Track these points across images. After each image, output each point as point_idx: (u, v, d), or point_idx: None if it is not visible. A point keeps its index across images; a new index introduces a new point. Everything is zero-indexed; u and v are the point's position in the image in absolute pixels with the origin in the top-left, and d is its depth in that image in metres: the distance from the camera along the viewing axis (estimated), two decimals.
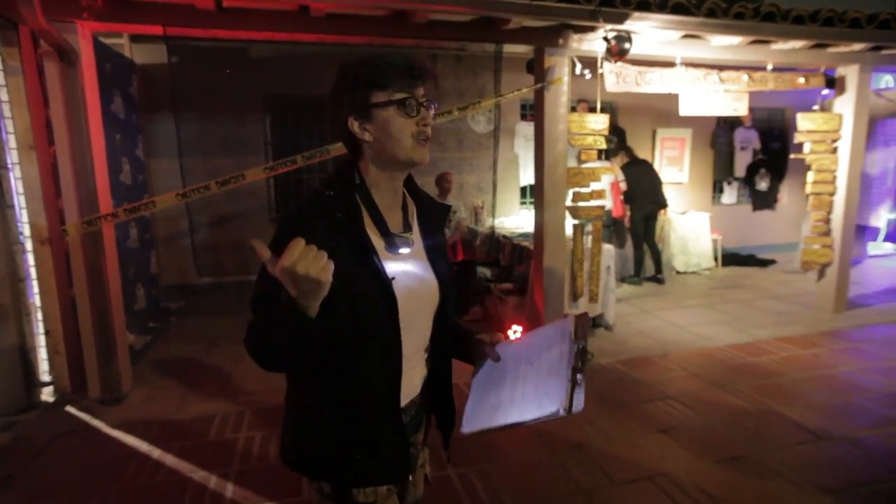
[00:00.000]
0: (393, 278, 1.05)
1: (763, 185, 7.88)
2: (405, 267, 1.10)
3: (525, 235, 5.14)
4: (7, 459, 2.77)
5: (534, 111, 4.40)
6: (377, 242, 1.07)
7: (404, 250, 1.10)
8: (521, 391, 1.10)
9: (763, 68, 4.61)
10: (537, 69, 4.12)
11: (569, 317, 1.16)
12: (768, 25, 4.05)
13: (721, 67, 4.57)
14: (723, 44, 4.31)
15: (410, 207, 1.19)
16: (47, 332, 3.33)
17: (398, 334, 1.07)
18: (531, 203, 6.91)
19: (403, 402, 1.13)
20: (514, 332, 3.82)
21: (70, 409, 3.28)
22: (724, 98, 4.77)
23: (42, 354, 3.36)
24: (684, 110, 4.75)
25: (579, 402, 0.98)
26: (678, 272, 6.86)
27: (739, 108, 4.88)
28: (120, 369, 3.43)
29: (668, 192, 6.69)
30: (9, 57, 3.00)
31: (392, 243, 1.09)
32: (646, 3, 3.66)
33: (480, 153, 6.80)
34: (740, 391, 3.45)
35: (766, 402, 3.29)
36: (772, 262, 7.38)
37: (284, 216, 1.08)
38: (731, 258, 7.39)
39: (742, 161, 7.81)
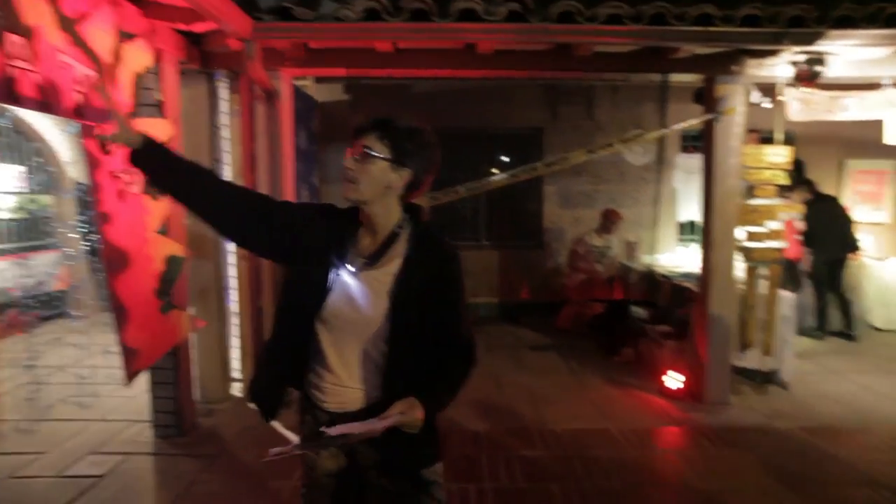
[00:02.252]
0: (333, 269, 1.33)
1: None
2: (350, 280, 1.32)
3: (686, 275, 4.78)
4: (212, 441, 3.29)
5: (700, 143, 4.12)
6: (347, 255, 1.35)
7: (349, 268, 1.33)
8: None
9: None
10: (707, 99, 3.87)
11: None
12: None
13: None
14: None
15: (399, 245, 1.36)
16: (241, 335, 3.83)
17: (312, 320, 1.34)
18: (690, 240, 6.43)
19: (330, 406, 1.36)
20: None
21: (253, 405, 3.71)
22: None
23: (234, 354, 3.87)
24: (892, 138, 4.10)
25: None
26: (877, 329, 5.84)
27: None
28: None
29: (863, 234, 5.79)
30: (233, 102, 3.59)
31: (349, 261, 1.34)
32: (848, 19, 3.24)
33: (640, 186, 6.54)
34: None
35: None
36: None
37: (317, 203, 1.52)
38: None
39: None
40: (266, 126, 3.55)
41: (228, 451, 3.15)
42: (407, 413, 1.22)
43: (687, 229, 6.62)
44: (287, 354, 1.40)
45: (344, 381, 1.35)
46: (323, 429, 1.21)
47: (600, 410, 3.78)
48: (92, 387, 4.05)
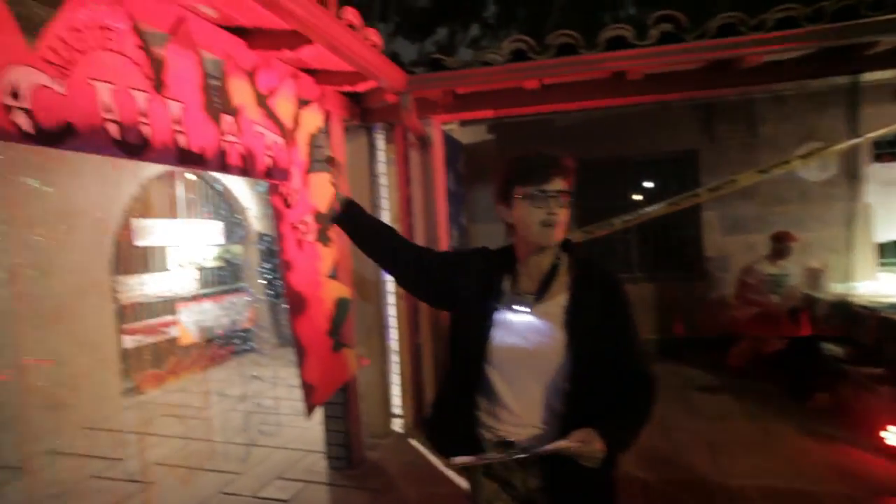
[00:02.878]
0: (497, 310, 1.35)
1: None
2: (519, 318, 1.33)
3: None
4: (378, 475, 3.42)
5: None
6: (506, 294, 1.37)
7: (521, 308, 1.34)
8: None
9: None
10: None
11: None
12: None
13: None
14: None
15: (562, 278, 1.37)
16: (400, 373, 4.00)
17: (481, 361, 1.35)
18: (894, 263, 5.43)
19: (509, 436, 1.36)
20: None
21: (413, 442, 3.83)
22: None
23: (395, 391, 4.04)
24: None
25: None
26: None
27: None
28: None
29: None
30: (389, 151, 3.87)
31: (513, 298, 1.36)
32: None
33: (826, 205, 5.72)
34: None
35: None
36: None
37: (468, 249, 1.58)
38: None
39: None
40: (420, 171, 3.76)
41: (394, 486, 3.26)
42: (586, 442, 1.20)
43: (890, 251, 5.60)
44: (460, 394, 1.42)
45: (521, 417, 1.35)
46: (512, 440, 1.30)
47: (796, 467, 3.25)
48: (276, 416, 4.50)
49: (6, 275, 3.73)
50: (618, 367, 1.32)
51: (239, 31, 2.30)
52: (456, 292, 1.45)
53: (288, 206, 2.61)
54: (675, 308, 6.20)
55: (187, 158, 1.91)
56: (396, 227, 3.94)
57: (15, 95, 1.35)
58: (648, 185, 6.46)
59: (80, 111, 1.52)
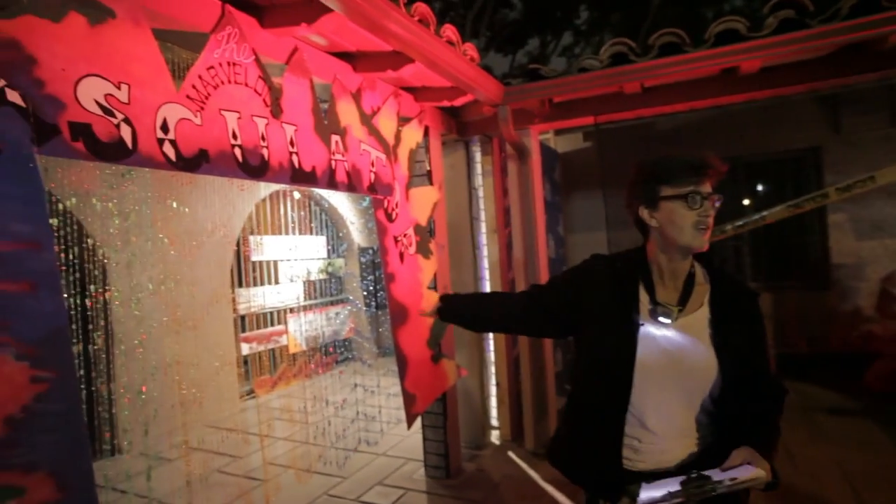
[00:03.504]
0: (641, 324, 1.25)
1: None
2: (662, 332, 1.24)
3: None
4: (477, 486, 3.41)
5: None
6: (644, 306, 1.27)
7: (663, 319, 1.24)
8: None
9: None
10: None
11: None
12: None
13: None
14: None
15: (700, 288, 1.29)
16: (497, 384, 3.97)
17: (628, 381, 1.24)
18: None
19: (644, 466, 1.26)
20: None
21: (511, 454, 3.78)
22: None
23: (492, 402, 4.02)
24: None
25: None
26: None
27: None
28: (550, 428, 3.77)
29: None
30: (485, 163, 3.90)
31: (654, 310, 1.26)
32: None
33: None
34: None
35: None
36: None
37: (580, 263, 1.45)
38: None
39: None
40: (518, 182, 3.74)
41: (492, 498, 3.22)
42: (756, 464, 1.11)
43: None
44: (599, 418, 1.32)
45: (664, 437, 1.26)
46: (706, 473, 1.14)
47: None
48: (376, 424, 4.64)
49: (154, 286, 4.22)
50: (758, 381, 1.24)
51: (344, 56, 2.44)
52: (584, 312, 1.35)
53: (391, 219, 2.70)
54: (795, 320, 5.62)
55: (300, 177, 2.04)
56: (494, 239, 3.96)
57: (165, 129, 1.52)
58: (762, 187, 5.96)
59: (213, 139, 1.68)
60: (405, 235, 2.83)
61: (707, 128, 5.56)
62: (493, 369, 4.01)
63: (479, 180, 3.99)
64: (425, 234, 3.08)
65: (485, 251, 4.00)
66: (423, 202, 3.08)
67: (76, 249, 3.73)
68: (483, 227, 3.99)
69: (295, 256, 6.24)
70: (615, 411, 1.26)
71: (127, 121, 1.43)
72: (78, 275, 3.70)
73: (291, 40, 2.08)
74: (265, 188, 5.64)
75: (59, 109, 1.30)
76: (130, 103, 1.45)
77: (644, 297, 1.28)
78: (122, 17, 1.45)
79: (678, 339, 1.23)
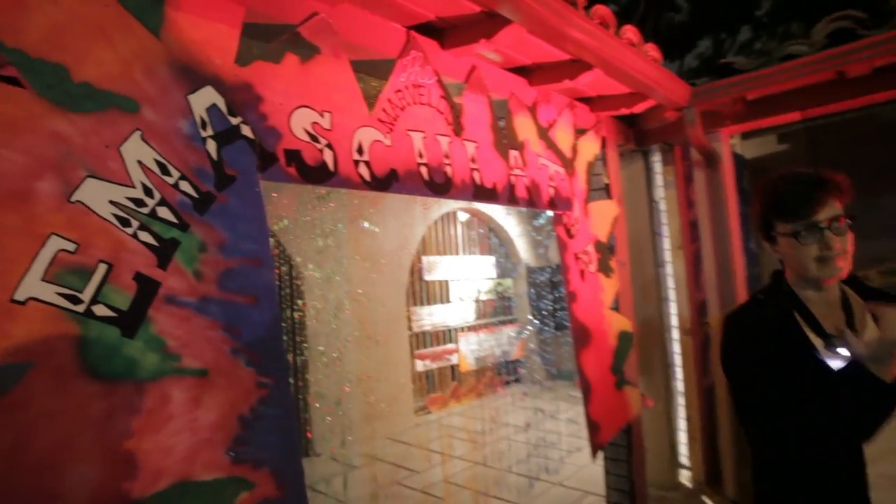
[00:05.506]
0: (834, 363, 1.11)
1: None
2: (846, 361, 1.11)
3: None
4: None
5: None
6: (815, 341, 1.15)
7: (843, 350, 1.11)
8: None
9: None
10: None
11: None
12: None
13: None
14: None
15: (859, 308, 1.18)
16: (688, 418, 3.54)
17: (842, 424, 1.07)
18: None
19: None
20: None
21: (706, 500, 3.32)
22: None
23: (681, 438, 3.60)
24: None
25: None
26: None
27: None
28: None
29: None
30: (666, 173, 3.58)
31: (829, 343, 1.14)
32: None
33: None
34: None
35: None
36: None
37: (725, 320, 1.31)
38: None
39: None
40: (707, 192, 3.35)
41: None
42: None
43: None
44: (826, 469, 1.20)
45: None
46: None
47: None
48: (550, 450, 4.46)
49: (349, 302, 4.65)
50: None
51: (519, 71, 2.41)
52: (785, 366, 1.17)
53: (570, 236, 2.57)
54: None
55: (481, 193, 2.04)
56: (679, 256, 3.59)
57: (360, 151, 1.61)
58: None
59: (401, 159, 1.74)
60: (585, 252, 2.68)
61: None
62: (681, 400, 3.60)
63: (659, 192, 3.67)
64: (606, 251, 2.88)
65: (668, 269, 3.64)
66: (602, 217, 2.90)
67: (284, 268, 4.25)
68: (666, 243, 3.64)
69: (465, 276, 6.39)
70: (852, 459, 1.19)
71: (329, 146, 1.54)
72: (288, 290, 4.20)
73: (469, 59, 2.11)
74: (437, 209, 5.89)
75: (277, 139, 1.44)
76: (332, 129, 1.56)
77: (813, 336, 1.17)
78: (326, 53, 1.58)
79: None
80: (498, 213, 6.87)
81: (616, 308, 2.98)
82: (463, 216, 6.63)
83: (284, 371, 1.35)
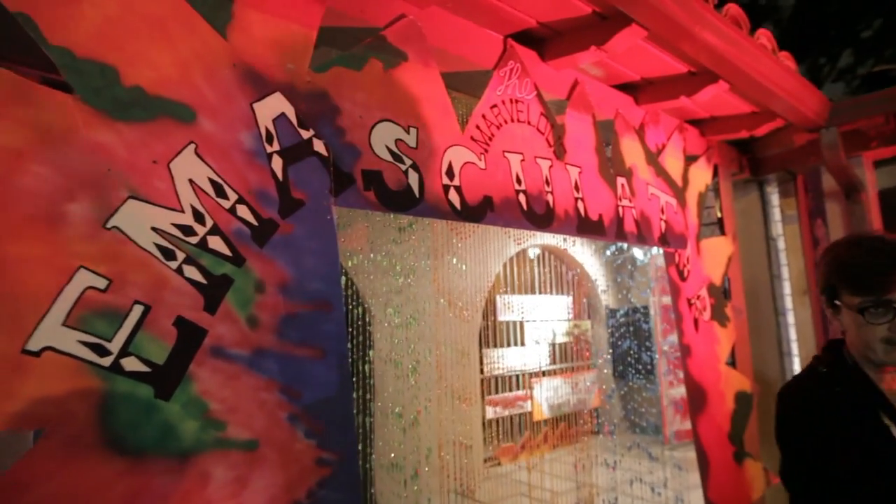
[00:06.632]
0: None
1: None
2: None
3: None
4: None
5: None
6: (891, 426, 1.03)
7: None
8: None
9: None
10: None
11: None
12: None
13: None
14: None
15: None
16: None
17: None
18: None
19: None
20: None
21: None
22: None
23: None
24: None
25: None
26: None
27: None
28: None
29: None
30: (786, 207, 3.09)
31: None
32: None
33: None
34: None
35: None
36: None
37: (783, 392, 1.25)
38: None
39: None
40: (845, 229, 2.85)
41: None
42: None
43: None
44: None
45: None
46: None
47: None
48: None
49: (431, 352, 4.17)
50: None
51: (624, 88, 2.10)
52: (856, 448, 1.06)
53: (683, 278, 2.19)
54: None
55: (586, 227, 1.72)
56: (805, 302, 3.06)
57: (450, 174, 1.35)
58: None
59: (497, 184, 1.47)
60: (699, 297, 2.27)
61: None
62: None
63: (777, 228, 3.17)
64: (720, 295, 2.46)
65: (790, 318, 3.11)
66: (716, 256, 2.48)
67: (356, 311, 3.69)
68: (787, 287, 3.12)
69: (541, 317, 5.98)
70: None
71: (414, 166, 1.30)
72: (360, 338, 3.61)
73: (572, 73, 1.83)
74: (515, 245, 5.57)
75: (355, 157, 1.20)
76: (418, 147, 1.31)
77: (888, 420, 1.04)
78: (413, 60, 1.35)
79: None
80: (576, 248, 6.46)
81: (732, 363, 2.52)
82: (533, 252, 6.26)
83: (352, 445, 1.07)
